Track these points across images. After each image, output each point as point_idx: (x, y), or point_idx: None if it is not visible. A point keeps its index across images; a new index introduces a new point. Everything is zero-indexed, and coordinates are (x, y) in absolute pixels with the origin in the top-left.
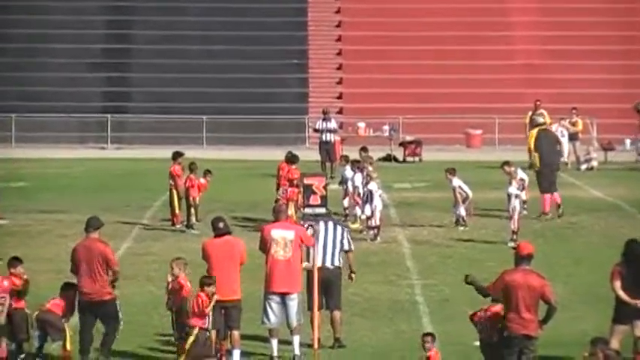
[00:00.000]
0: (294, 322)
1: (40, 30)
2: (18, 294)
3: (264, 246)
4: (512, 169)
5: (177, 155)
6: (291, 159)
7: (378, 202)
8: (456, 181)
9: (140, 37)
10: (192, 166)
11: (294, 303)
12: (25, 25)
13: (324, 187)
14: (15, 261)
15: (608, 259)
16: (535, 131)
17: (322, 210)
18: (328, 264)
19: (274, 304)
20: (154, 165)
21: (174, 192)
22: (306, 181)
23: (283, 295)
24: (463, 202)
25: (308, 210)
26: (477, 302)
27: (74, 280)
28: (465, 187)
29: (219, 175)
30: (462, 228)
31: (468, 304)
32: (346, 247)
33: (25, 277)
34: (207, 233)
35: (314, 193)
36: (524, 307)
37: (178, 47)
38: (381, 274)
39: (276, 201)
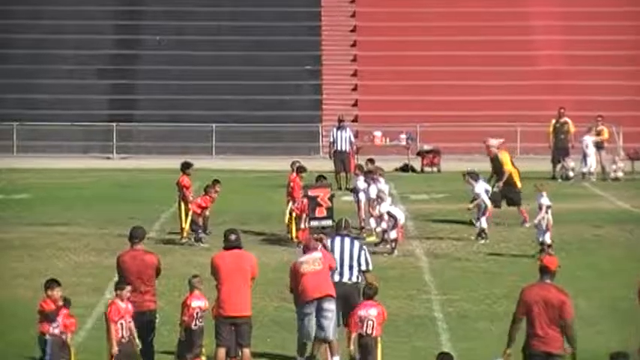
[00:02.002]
0: (330, 335)
1: (44, 35)
2: (46, 317)
3: (296, 278)
4: (472, 180)
5: (186, 166)
6: (302, 169)
7: (400, 215)
8: (481, 186)
9: (148, 43)
10: (207, 188)
11: (329, 314)
12: (28, 30)
13: (330, 199)
14: (53, 283)
15: (634, 272)
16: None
17: (329, 222)
18: (346, 279)
19: (311, 315)
20: (162, 175)
21: (183, 204)
22: (311, 192)
23: (319, 302)
24: (483, 212)
25: (314, 223)
26: (496, 318)
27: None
28: (485, 196)
29: (229, 186)
30: (482, 241)
31: (486, 320)
32: (364, 267)
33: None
34: (217, 246)
35: (319, 205)
36: (544, 324)
37: (187, 53)
38: (398, 289)
39: (290, 213)
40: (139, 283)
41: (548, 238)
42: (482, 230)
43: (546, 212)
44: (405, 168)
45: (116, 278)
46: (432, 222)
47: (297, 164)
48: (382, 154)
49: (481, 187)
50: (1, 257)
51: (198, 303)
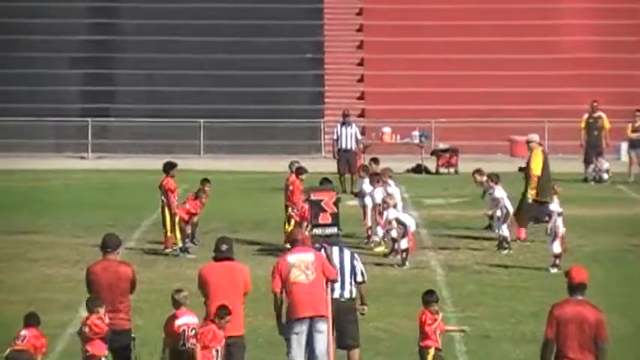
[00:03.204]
0: (323, 359)
1: (7, 19)
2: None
3: (280, 278)
4: (485, 178)
5: (169, 167)
6: (302, 170)
7: (410, 222)
8: (500, 192)
9: (127, 28)
10: (197, 192)
11: (322, 336)
12: None
13: (336, 203)
14: (96, 301)
15: None
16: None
17: (333, 230)
18: (337, 295)
19: (300, 334)
20: (143, 177)
21: (167, 210)
22: (314, 196)
23: (311, 321)
24: (505, 219)
25: (317, 230)
26: (522, 340)
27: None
28: (508, 202)
29: (219, 190)
30: (505, 252)
31: (510, 342)
32: (359, 278)
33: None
34: (206, 257)
35: (323, 210)
36: (577, 346)
37: (171, 39)
38: (410, 305)
39: (289, 220)
40: (111, 298)
41: (557, 248)
42: (504, 239)
43: (556, 220)
44: (418, 169)
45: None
46: (449, 230)
47: (296, 165)
48: (392, 154)
49: (502, 191)
50: None
51: (184, 320)
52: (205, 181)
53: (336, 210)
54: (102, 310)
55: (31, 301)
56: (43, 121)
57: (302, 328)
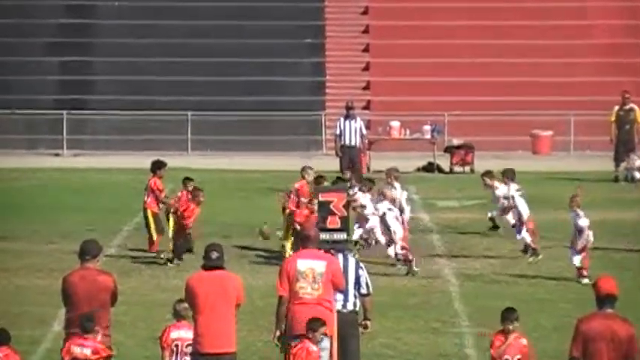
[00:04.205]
0: None
1: None
2: None
3: (288, 281)
4: (495, 182)
5: (157, 166)
6: (321, 179)
7: (397, 227)
8: (514, 189)
9: (105, 10)
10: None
11: (324, 353)
12: None
13: (346, 206)
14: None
15: None
16: None
17: (342, 235)
18: (339, 306)
19: None
20: (124, 177)
21: (150, 212)
22: (322, 197)
23: None
24: (520, 224)
25: (324, 235)
26: (544, 357)
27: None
28: (522, 201)
29: (209, 190)
30: (531, 259)
31: None
32: (364, 290)
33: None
34: (193, 266)
35: (332, 213)
36: None
37: (156, 22)
38: (420, 319)
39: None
40: (89, 310)
41: (578, 261)
42: (528, 245)
43: (589, 234)
44: (430, 167)
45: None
46: (464, 235)
47: (309, 170)
48: (401, 150)
49: (514, 190)
50: None
51: (178, 334)
52: (188, 180)
53: (345, 213)
54: (99, 332)
55: (0, 315)
56: (11, 114)
57: None
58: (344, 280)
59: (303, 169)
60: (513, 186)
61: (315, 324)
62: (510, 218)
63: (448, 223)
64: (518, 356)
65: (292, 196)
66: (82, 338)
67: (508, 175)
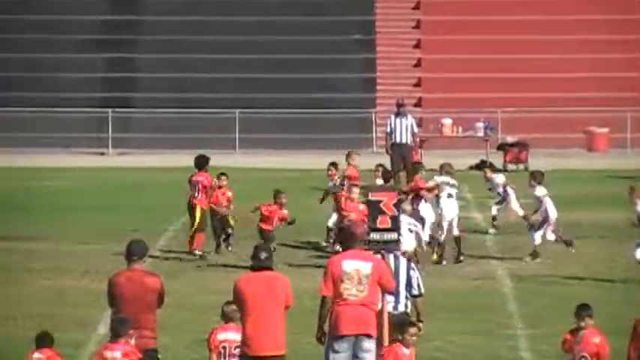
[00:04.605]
0: None
1: None
2: None
3: (332, 281)
4: (495, 175)
5: (206, 160)
6: (387, 173)
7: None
8: (542, 190)
9: (151, 6)
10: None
11: (367, 356)
12: None
13: (396, 205)
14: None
15: None
16: None
17: (393, 235)
18: (390, 308)
19: (340, 353)
20: (170, 176)
21: (199, 208)
22: (372, 196)
23: (355, 339)
24: (541, 225)
25: (374, 235)
26: None
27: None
28: (550, 204)
29: (255, 189)
30: (527, 259)
31: None
32: (415, 291)
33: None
34: (239, 267)
35: (382, 212)
36: None
37: (202, 19)
38: (473, 322)
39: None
40: (136, 313)
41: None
42: (535, 248)
43: None
44: (483, 165)
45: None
46: (518, 236)
47: (382, 168)
48: (453, 148)
49: (542, 191)
50: None
51: (225, 336)
52: (222, 175)
53: (396, 213)
54: (133, 335)
55: (43, 318)
56: (55, 113)
57: (343, 347)
58: (393, 281)
59: (349, 154)
60: (541, 188)
61: (404, 327)
62: (494, 210)
63: (501, 222)
64: (593, 352)
65: (344, 187)
66: (115, 343)
67: (536, 178)
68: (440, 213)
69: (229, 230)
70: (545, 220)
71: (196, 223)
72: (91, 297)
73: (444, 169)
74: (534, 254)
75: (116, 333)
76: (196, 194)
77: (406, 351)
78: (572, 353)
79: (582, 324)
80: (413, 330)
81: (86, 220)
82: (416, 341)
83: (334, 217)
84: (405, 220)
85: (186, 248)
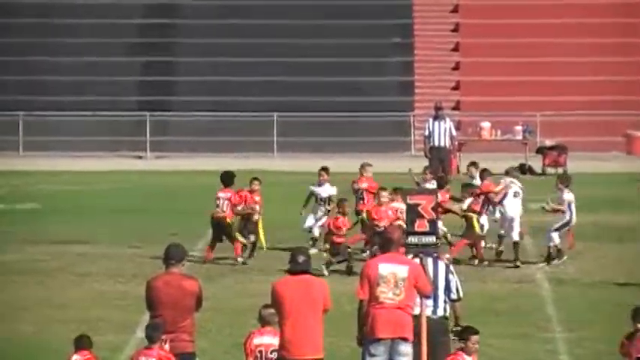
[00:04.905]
0: None
1: (51, 0)
2: None
3: (368, 285)
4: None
5: (230, 178)
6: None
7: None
8: (570, 196)
9: (188, 10)
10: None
11: (405, 359)
12: None
13: (435, 209)
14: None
15: None
16: None
17: (431, 239)
18: (429, 312)
19: (376, 357)
20: (208, 179)
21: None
22: (411, 200)
23: (392, 343)
24: (562, 226)
25: (412, 239)
26: None
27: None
28: (573, 208)
29: (294, 193)
30: (541, 264)
31: None
32: (454, 295)
33: None
34: (277, 270)
35: (420, 216)
36: None
37: (240, 22)
38: (511, 325)
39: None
40: (174, 316)
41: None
42: (552, 249)
43: None
44: (522, 169)
45: None
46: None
47: (368, 167)
48: (491, 151)
49: (571, 195)
50: (2, 284)
51: (261, 340)
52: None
53: (434, 216)
54: (167, 340)
55: (82, 320)
56: (94, 117)
57: (379, 350)
58: (430, 285)
59: (362, 166)
60: (569, 193)
61: (466, 334)
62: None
63: (540, 226)
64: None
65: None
66: (149, 349)
67: (564, 181)
68: (503, 212)
69: (252, 238)
70: (568, 223)
71: (231, 236)
72: (128, 301)
73: (511, 173)
74: (559, 254)
75: (150, 339)
76: (224, 209)
77: (468, 359)
78: (629, 357)
79: (639, 326)
80: (475, 337)
81: (126, 223)
82: (478, 349)
83: (310, 219)
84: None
85: (225, 252)
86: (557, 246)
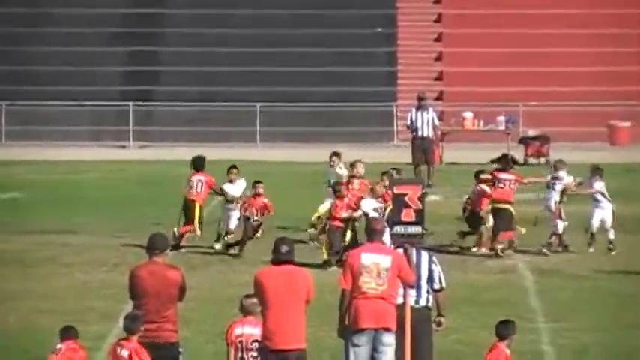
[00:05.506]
0: None
1: None
2: None
3: (351, 275)
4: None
5: (201, 163)
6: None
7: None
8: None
9: (173, 0)
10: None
11: (388, 349)
12: None
13: (421, 199)
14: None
15: None
16: None
17: (417, 229)
18: (412, 301)
19: (359, 347)
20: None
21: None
22: (397, 190)
23: (375, 333)
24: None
25: (398, 228)
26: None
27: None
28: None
29: (277, 183)
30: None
31: (611, 357)
32: (437, 285)
33: None
34: (261, 260)
35: (407, 206)
36: None
37: (223, 12)
38: (494, 315)
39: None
40: (158, 306)
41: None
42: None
43: None
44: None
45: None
46: (539, 229)
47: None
48: (474, 142)
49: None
50: None
51: (242, 330)
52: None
53: (421, 206)
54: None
55: (66, 311)
56: (77, 106)
57: (362, 340)
58: (413, 274)
59: (353, 164)
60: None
61: (509, 326)
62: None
63: (524, 216)
64: None
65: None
66: (127, 340)
67: (597, 171)
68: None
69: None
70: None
71: (195, 220)
72: (112, 290)
73: (559, 166)
74: (564, 246)
75: (128, 329)
76: (197, 190)
77: (507, 351)
78: None
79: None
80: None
81: (110, 213)
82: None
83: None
84: (372, 204)
85: (209, 242)
86: (561, 235)
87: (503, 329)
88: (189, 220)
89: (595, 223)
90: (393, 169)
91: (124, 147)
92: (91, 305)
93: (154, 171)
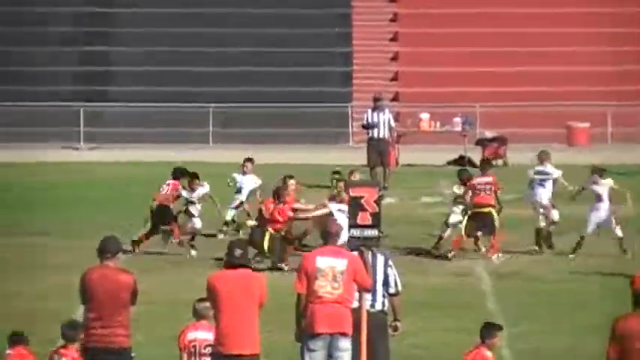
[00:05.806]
0: None
1: None
2: None
3: (306, 278)
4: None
5: (181, 173)
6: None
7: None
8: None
9: None
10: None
11: (343, 354)
12: None
13: (377, 202)
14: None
15: None
16: None
17: (373, 232)
18: (368, 306)
19: (315, 352)
20: (143, 170)
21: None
22: (353, 192)
23: (330, 338)
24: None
25: (354, 231)
26: (583, 357)
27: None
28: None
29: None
30: (571, 256)
31: None
32: (392, 289)
33: None
34: (213, 264)
35: (363, 209)
36: None
37: (176, 11)
38: (452, 318)
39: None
40: (110, 310)
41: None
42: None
43: None
44: (461, 161)
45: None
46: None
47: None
48: (431, 143)
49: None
50: None
51: (195, 335)
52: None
53: (377, 209)
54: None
55: (19, 314)
56: (25, 107)
57: (318, 345)
58: (369, 278)
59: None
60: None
61: (490, 329)
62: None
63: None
64: None
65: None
66: (65, 348)
67: (599, 172)
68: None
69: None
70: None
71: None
72: (63, 293)
73: (542, 157)
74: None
75: (66, 337)
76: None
77: (489, 354)
78: None
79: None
80: (500, 333)
81: (60, 215)
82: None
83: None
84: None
85: (160, 245)
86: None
87: (484, 331)
88: (154, 228)
89: (590, 227)
90: (335, 172)
91: (75, 148)
92: (41, 308)
93: (105, 172)
